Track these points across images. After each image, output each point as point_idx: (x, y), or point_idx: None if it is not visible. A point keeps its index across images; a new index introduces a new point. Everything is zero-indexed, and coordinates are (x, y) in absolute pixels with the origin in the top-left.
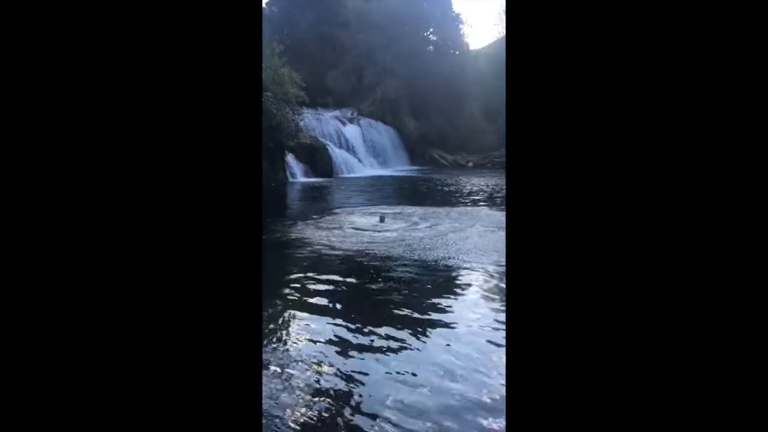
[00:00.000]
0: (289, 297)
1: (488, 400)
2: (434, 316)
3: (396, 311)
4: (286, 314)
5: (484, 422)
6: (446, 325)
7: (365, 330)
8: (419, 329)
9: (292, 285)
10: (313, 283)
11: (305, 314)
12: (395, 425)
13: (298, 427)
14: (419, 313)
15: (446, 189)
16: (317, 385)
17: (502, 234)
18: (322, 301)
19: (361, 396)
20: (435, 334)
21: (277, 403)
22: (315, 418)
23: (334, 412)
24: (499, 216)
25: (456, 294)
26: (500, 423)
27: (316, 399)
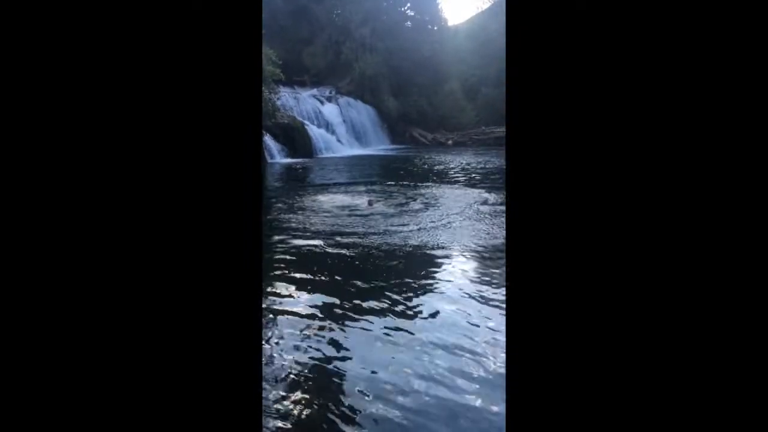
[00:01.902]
0: (277, 282)
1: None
2: (425, 297)
3: (385, 298)
4: (273, 299)
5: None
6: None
7: (351, 313)
8: (410, 314)
9: (278, 270)
10: (299, 269)
11: (294, 297)
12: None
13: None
14: (410, 296)
15: (428, 168)
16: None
17: (489, 211)
18: (310, 286)
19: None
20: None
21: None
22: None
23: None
24: (477, 194)
25: (444, 274)
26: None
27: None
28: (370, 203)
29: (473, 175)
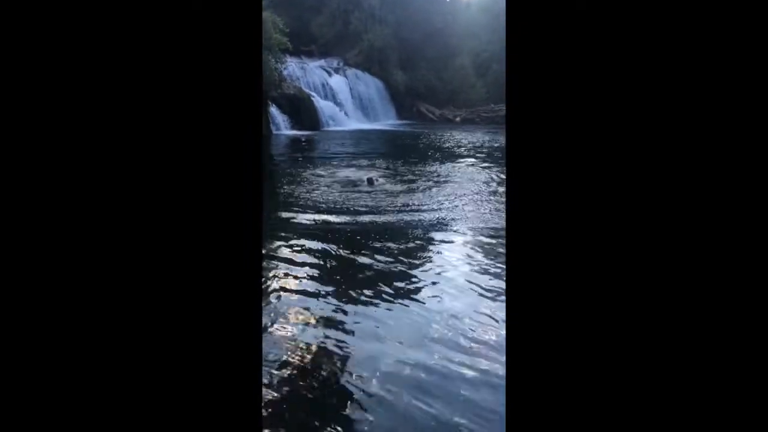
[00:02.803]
0: (279, 257)
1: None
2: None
3: (385, 278)
4: (275, 275)
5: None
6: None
7: (353, 296)
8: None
9: (280, 246)
10: (297, 246)
11: (292, 274)
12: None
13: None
14: (409, 279)
15: (437, 145)
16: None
17: (499, 191)
18: (311, 265)
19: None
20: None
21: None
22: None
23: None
24: (487, 173)
25: (451, 261)
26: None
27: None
28: (370, 181)
29: (483, 153)
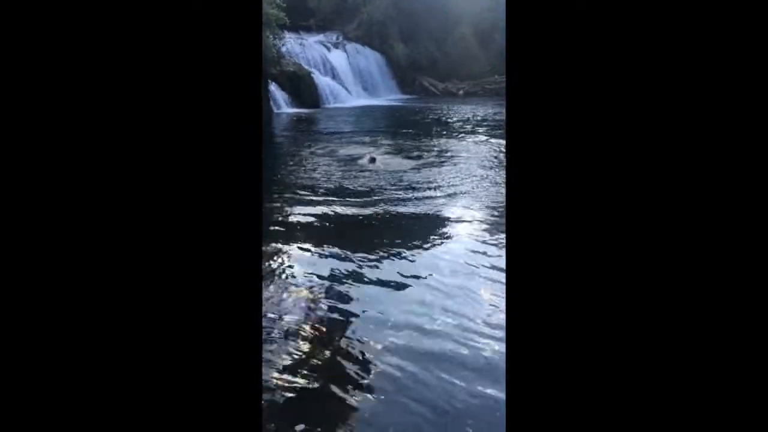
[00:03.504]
0: (284, 239)
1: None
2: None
3: (394, 257)
4: (280, 253)
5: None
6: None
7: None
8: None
9: (286, 230)
10: (298, 232)
11: (293, 258)
12: None
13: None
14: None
15: (443, 120)
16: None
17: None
18: (309, 252)
19: None
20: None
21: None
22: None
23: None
24: (498, 148)
25: (452, 237)
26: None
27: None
28: (372, 160)
29: (488, 127)
